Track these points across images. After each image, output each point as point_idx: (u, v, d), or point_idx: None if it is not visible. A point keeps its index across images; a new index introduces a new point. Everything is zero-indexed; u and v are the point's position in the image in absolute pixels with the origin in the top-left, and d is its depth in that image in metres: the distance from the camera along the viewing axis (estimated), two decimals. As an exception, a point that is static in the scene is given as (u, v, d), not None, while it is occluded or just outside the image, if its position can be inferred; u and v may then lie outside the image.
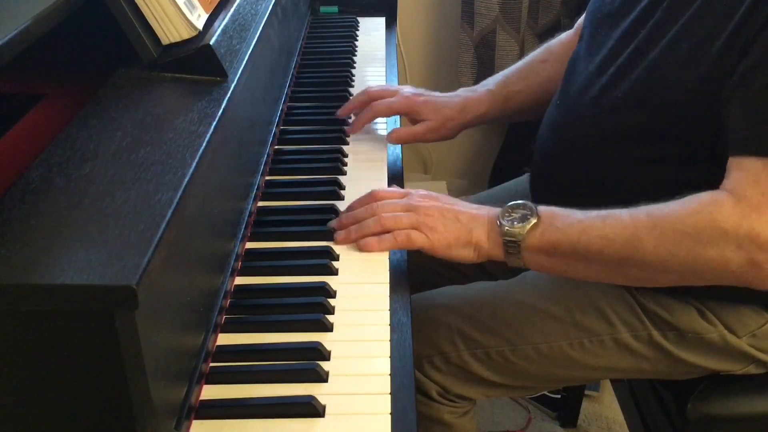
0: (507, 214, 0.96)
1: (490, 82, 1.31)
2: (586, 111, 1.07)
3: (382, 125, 1.32)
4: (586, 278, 0.99)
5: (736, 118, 0.89)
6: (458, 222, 0.97)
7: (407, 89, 1.28)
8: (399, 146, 1.27)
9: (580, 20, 1.29)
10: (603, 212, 0.93)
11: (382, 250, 0.98)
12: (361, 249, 0.98)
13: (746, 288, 1.01)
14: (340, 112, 1.29)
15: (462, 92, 1.30)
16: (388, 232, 0.98)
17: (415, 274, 1.01)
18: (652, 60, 0.99)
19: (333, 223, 1.02)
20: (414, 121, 1.27)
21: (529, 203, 0.97)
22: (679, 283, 0.93)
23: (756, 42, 0.88)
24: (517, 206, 0.97)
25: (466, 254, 0.98)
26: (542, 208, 0.96)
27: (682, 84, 0.95)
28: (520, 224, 0.95)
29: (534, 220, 0.94)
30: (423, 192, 1.02)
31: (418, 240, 0.97)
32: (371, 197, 1.02)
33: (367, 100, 1.27)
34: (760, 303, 1.05)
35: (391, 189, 1.05)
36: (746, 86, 0.88)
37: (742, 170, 0.88)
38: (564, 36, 1.33)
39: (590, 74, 1.09)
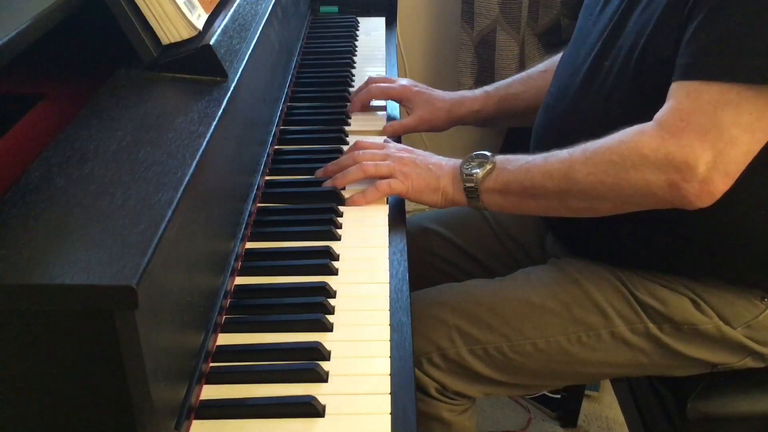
0: (467, 163, 1.07)
1: (490, 86, 1.37)
2: (576, 87, 1.10)
3: (382, 124, 1.31)
4: (539, 213, 1.07)
5: (681, 48, 0.95)
6: (429, 171, 1.08)
7: (405, 80, 1.37)
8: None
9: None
10: (549, 152, 1.02)
11: (369, 203, 1.08)
12: (349, 205, 1.08)
13: (738, 275, 1.05)
14: (335, 107, 1.36)
15: (460, 92, 1.37)
16: (369, 177, 1.09)
17: (414, 273, 1.01)
18: (633, 24, 1.03)
19: (319, 172, 1.13)
20: (408, 109, 1.34)
21: (488, 153, 1.07)
22: (617, 210, 0.99)
23: None
24: (475, 156, 1.07)
25: (434, 199, 1.08)
26: (498, 156, 1.06)
27: (664, 44, 0.97)
28: (477, 170, 1.05)
29: (489, 166, 1.05)
30: (399, 144, 1.15)
31: (398, 187, 1.08)
32: (354, 146, 1.14)
33: (368, 84, 1.35)
34: (754, 293, 1.07)
35: (371, 140, 1.17)
36: (693, 18, 0.93)
37: (670, 98, 0.94)
38: None
39: (579, 57, 1.13)
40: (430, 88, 1.36)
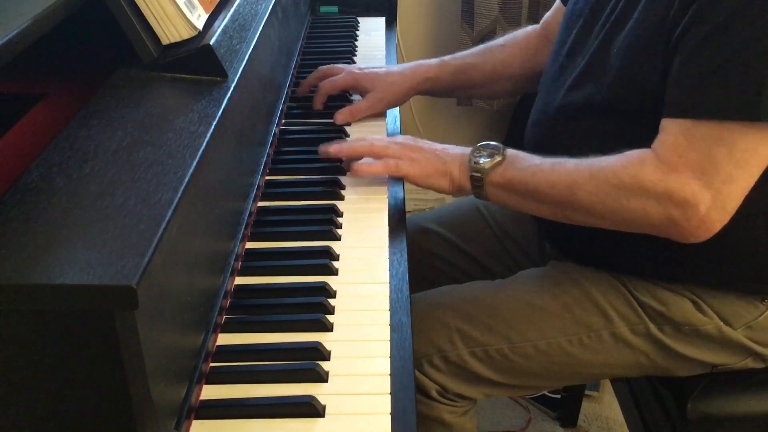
0: (477, 152, 1.06)
1: (448, 56, 1.37)
2: (560, 100, 1.10)
3: (381, 124, 1.31)
4: (538, 215, 1.07)
5: (669, 83, 0.95)
6: (436, 156, 1.09)
7: (354, 67, 1.35)
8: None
9: (547, 15, 1.35)
10: (557, 159, 1.02)
11: (371, 173, 1.09)
12: (353, 173, 1.09)
13: (738, 278, 1.05)
14: (299, 92, 1.35)
15: (414, 62, 1.36)
16: (375, 155, 1.09)
17: (415, 273, 1.01)
18: (620, 44, 1.02)
19: (326, 148, 1.12)
20: (361, 94, 1.32)
21: (500, 144, 1.06)
22: (613, 228, 1.00)
23: (689, 12, 0.92)
24: (488, 146, 1.07)
25: (442, 183, 1.08)
26: (510, 150, 1.06)
27: (648, 74, 0.97)
28: (486, 161, 1.05)
29: (499, 158, 1.05)
30: (407, 137, 1.14)
31: (404, 168, 1.08)
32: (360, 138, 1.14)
33: (319, 76, 1.34)
34: (754, 293, 1.07)
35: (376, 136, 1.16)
36: (679, 53, 0.93)
37: (665, 132, 0.94)
38: (529, 28, 1.39)
39: (562, 66, 1.13)
40: (380, 66, 1.34)
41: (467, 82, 1.35)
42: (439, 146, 1.11)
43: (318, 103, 1.32)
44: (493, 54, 1.35)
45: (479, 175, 1.05)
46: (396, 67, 1.33)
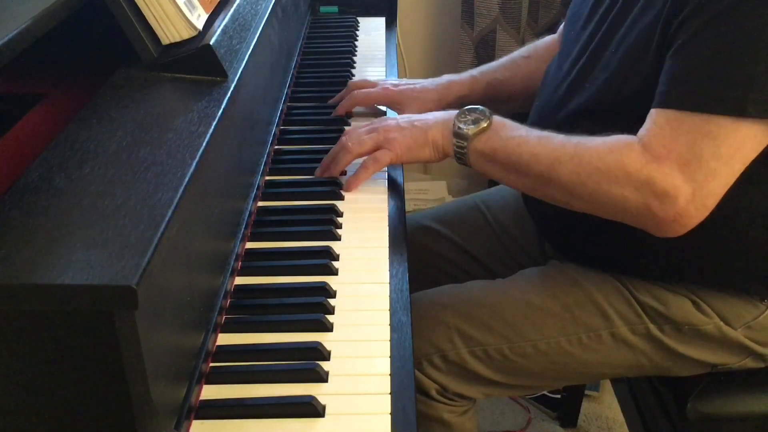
0: (462, 116, 1.05)
1: (476, 70, 1.36)
2: (556, 107, 1.10)
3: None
4: (518, 188, 1.08)
5: (661, 75, 0.94)
6: (414, 127, 1.08)
7: (388, 82, 1.34)
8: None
9: (563, 24, 1.33)
10: (544, 133, 1.01)
11: (360, 183, 1.10)
12: (346, 191, 1.10)
13: (738, 278, 1.05)
14: (338, 112, 1.32)
15: (446, 76, 1.35)
16: (358, 156, 1.10)
17: (414, 272, 1.01)
18: (614, 48, 1.02)
19: (317, 172, 1.13)
20: (397, 110, 1.31)
21: (487, 109, 1.04)
22: (589, 211, 0.99)
23: (684, 11, 0.92)
24: (473, 110, 1.05)
25: (426, 153, 1.08)
26: (497, 117, 1.04)
27: (641, 67, 0.97)
28: (470, 126, 1.03)
29: (484, 125, 1.03)
30: (386, 117, 1.14)
31: (384, 157, 1.08)
32: (342, 134, 1.13)
33: (351, 89, 1.33)
34: (754, 293, 1.07)
35: (362, 124, 1.15)
36: (670, 48, 0.93)
37: (651, 121, 0.94)
38: (548, 38, 1.38)
39: (561, 74, 1.12)
40: (412, 81, 1.33)
41: (498, 97, 1.34)
42: (418, 116, 1.10)
43: (342, 110, 1.31)
44: (520, 68, 1.33)
45: (463, 141, 1.03)
46: (429, 84, 1.32)
